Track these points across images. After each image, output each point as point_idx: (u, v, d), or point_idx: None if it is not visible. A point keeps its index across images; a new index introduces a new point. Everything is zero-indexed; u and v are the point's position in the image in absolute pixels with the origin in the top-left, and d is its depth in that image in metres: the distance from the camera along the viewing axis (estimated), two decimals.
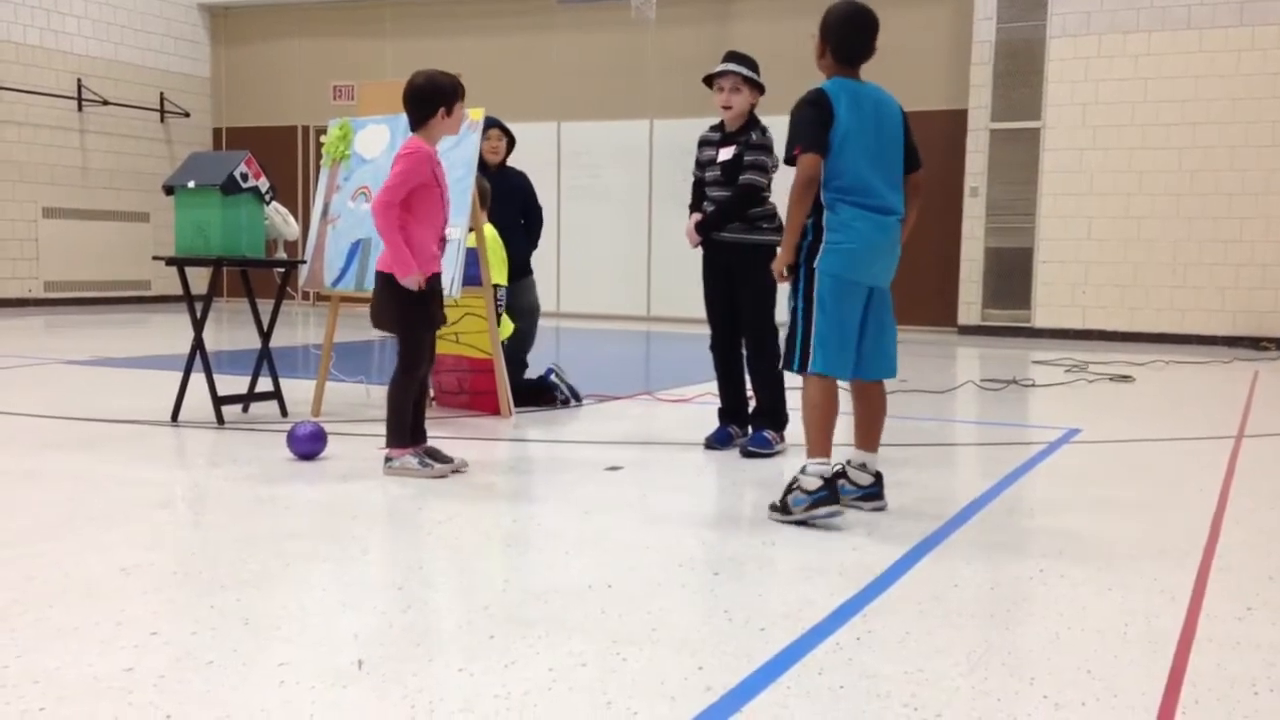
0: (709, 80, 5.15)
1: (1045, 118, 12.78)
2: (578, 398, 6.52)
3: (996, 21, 12.93)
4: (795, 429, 5.25)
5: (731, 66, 5.04)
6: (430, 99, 4.47)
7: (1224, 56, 12.07)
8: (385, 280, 4.49)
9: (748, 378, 5.29)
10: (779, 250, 3.92)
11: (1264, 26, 11.94)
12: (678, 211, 15.94)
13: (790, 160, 3.81)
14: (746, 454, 5.05)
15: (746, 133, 5.10)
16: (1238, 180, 12.07)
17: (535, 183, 7.01)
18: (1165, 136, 12.31)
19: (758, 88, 5.11)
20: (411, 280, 4.41)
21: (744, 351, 5.28)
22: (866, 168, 3.79)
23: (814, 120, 3.77)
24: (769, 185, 5.11)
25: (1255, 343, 11.84)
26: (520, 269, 6.70)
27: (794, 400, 5.23)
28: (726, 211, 5.07)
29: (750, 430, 5.22)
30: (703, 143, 5.28)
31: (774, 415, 5.19)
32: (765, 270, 5.12)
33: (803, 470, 3.81)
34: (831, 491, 3.76)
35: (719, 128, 5.22)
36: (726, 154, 5.11)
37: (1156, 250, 12.43)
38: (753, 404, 5.28)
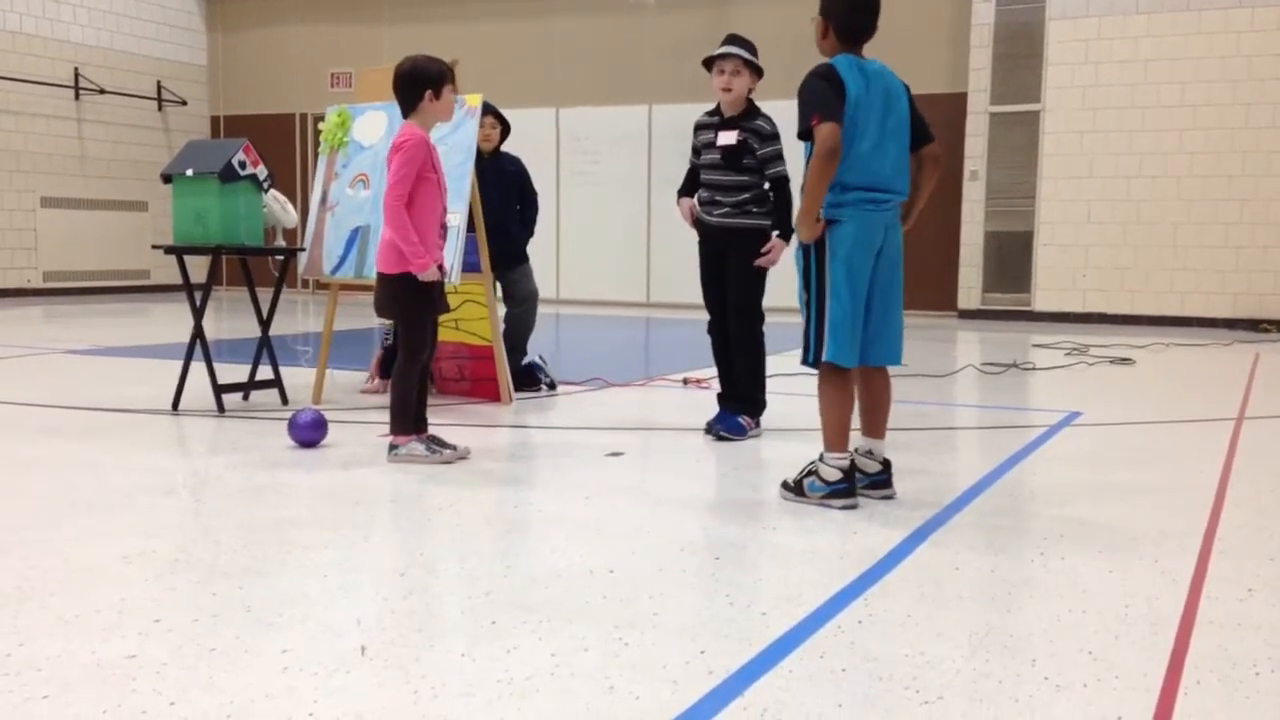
0: (708, 63, 5.13)
1: (1045, 100, 12.75)
2: (553, 386, 6.54)
3: (996, 4, 12.89)
4: (776, 413, 5.27)
5: (733, 49, 5.02)
6: (415, 83, 4.50)
7: (1224, 38, 12.03)
8: (385, 279, 4.55)
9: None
10: (796, 225, 3.79)
11: (1264, 8, 11.90)
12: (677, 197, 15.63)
13: (805, 133, 3.73)
14: (718, 437, 5.06)
15: (750, 119, 5.07)
16: (1238, 162, 12.05)
17: (534, 169, 6.99)
18: (1165, 119, 12.28)
19: (757, 71, 5.08)
20: (429, 273, 4.45)
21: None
22: (872, 147, 3.74)
23: (827, 92, 3.69)
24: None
25: (1255, 325, 11.84)
26: (518, 256, 6.69)
27: (784, 386, 5.25)
28: (785, 210, 5.03)
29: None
30: (699, 127, 5.24)
31: (752, 401, 5.19)
32: (753, 255, 5.09)
33: (821, 459, 3.81)
34: (850, 485, 3.78)
35: (716, 112, 5.19)
36: (728, 139, 5.07)
37: (1157, 233, 12.41)
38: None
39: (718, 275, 5.22)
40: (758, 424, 5.20)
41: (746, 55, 5.02)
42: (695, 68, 5.30)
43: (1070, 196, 12.69)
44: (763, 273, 5.11)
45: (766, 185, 5.10)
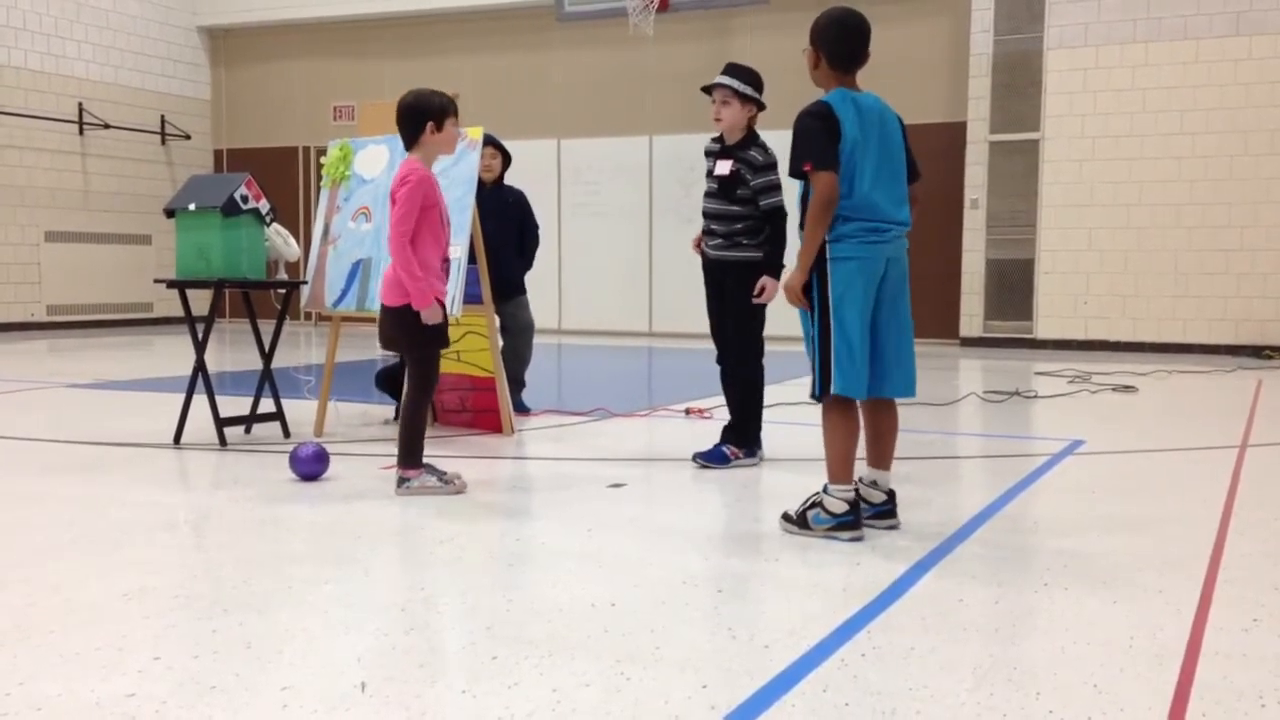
0: (708, 91, 5.13)
1: (1044, 129, 12.80)
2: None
3: (994, 34, 12.95)
4: (777, 443, 5.26)
5: (721, 79, 5.02)
6: (417, 116, 4.52)
7: (1221, 66, 12.09)
8: (391, 311, 4.54)
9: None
10: (793, 271, 3.79)
11: (1260, 35, 11.96)
12: (678, 227, 15.82)
13: (797, 174, 3.74)
14: (698, 463, 5.08)
15: (745, 149, 5.07)
16: (1237, 189, 12.08)
17: (535, 200, 7.02)
18: (1164, 146, 12.31)
19: (753, 101, 5.05)
20: (430, 313, 4.45)
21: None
22: (871, 184, 3.72)
23: (822, 134, 3.67)
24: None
25: (1258, 351, 11.82)
26: (515, 287, 6.70)
27: (784, 415, 5.25)
28: (778, 244, 5.04)
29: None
30: (706, 154, 5.27)
31: (741, 432, 5.17)
32: (747, 287, 5.03)
33: (825, 490, 3.80)
34: (856, 517, 3.76)
35: (720, 139, 5.18)
36: (723, 168, 5.08)
37: (1158, 260, 12.43)
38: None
39: (717, 307, 5.22)
40: (750, 454, 5.17)
41: (737, 85, 5.00)
42: (696, 98, 5.33)
43: (1071, 224, 12.71)
44: (759, 307, 5.09)
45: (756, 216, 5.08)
